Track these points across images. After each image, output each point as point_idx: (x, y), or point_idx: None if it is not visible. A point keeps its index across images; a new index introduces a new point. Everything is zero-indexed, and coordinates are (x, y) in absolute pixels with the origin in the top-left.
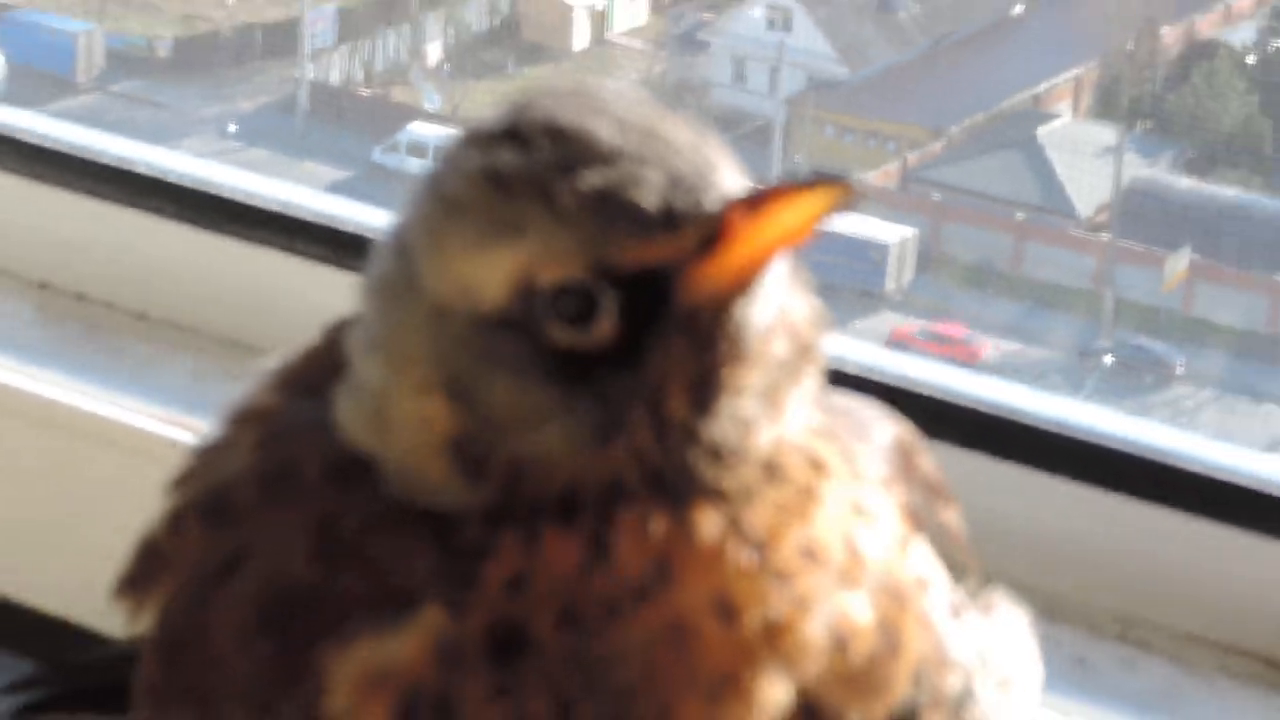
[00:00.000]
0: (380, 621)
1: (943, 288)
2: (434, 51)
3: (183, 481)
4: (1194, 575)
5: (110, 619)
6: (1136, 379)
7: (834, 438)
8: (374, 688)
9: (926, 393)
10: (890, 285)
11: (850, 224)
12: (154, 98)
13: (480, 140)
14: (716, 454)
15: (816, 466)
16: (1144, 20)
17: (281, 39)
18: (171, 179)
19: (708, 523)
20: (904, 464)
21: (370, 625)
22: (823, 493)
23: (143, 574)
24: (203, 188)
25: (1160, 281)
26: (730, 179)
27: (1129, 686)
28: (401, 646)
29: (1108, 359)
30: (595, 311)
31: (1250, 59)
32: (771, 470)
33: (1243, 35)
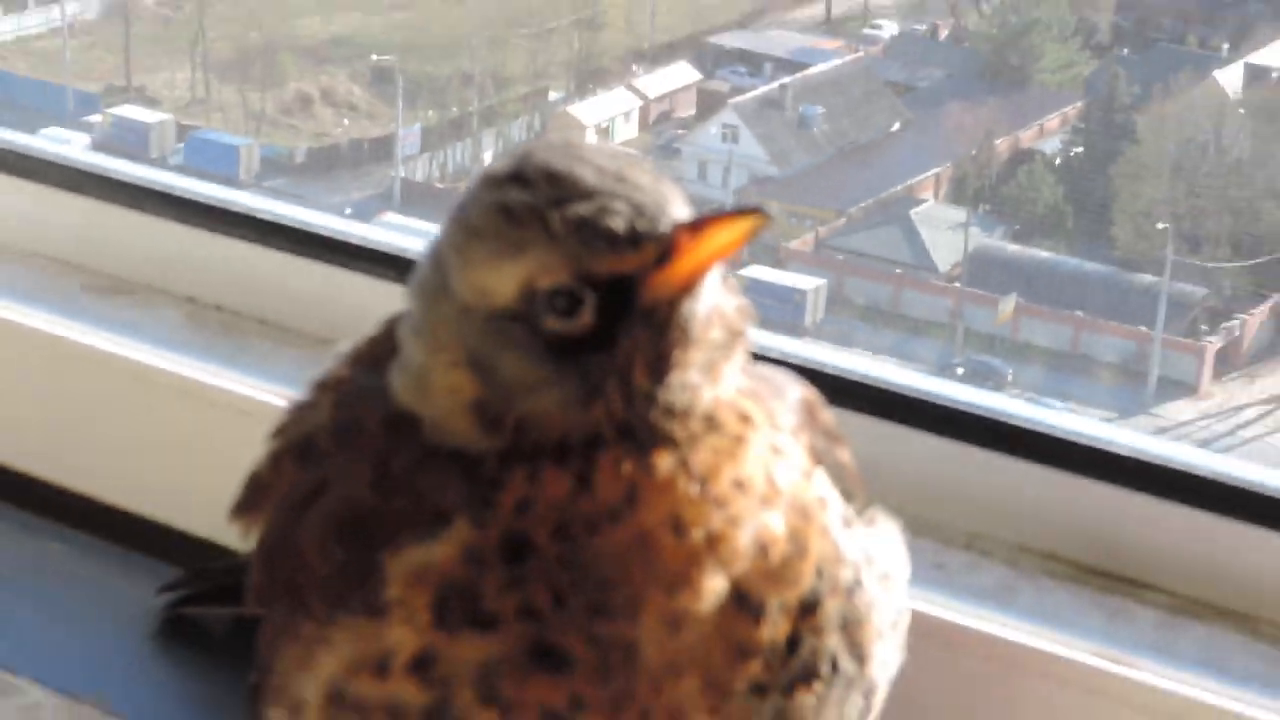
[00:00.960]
0: (423, 534)
1: (845, 322)
2: (488, 158)
3: (279, 431)
4: (1022, 501)
5: (233, 537)
6: (979, 384)
7: (757, 397)
8: (419, 582)
9: (829, 372)
10: (808, 320)
11: (778, 276)
12: (293, 190)
13: (494, 181)
14: (670, 412)
15: (744, 419)
16: (984, 134)
17: (382, 149)
18: (287, 223)
19: (664, 463)
20: (808, 416)
21: (416, 536)
22: (749, 438)
23: (250, 500)
24: (312, 229)
25: (996, 317)
26: (679, 209)
27: (974, 584)
28: (439, 551)
29: (959, 371)
30: (579, 308)
31: (1058, 161)
32: (710, 422)
33: (1052, 145)
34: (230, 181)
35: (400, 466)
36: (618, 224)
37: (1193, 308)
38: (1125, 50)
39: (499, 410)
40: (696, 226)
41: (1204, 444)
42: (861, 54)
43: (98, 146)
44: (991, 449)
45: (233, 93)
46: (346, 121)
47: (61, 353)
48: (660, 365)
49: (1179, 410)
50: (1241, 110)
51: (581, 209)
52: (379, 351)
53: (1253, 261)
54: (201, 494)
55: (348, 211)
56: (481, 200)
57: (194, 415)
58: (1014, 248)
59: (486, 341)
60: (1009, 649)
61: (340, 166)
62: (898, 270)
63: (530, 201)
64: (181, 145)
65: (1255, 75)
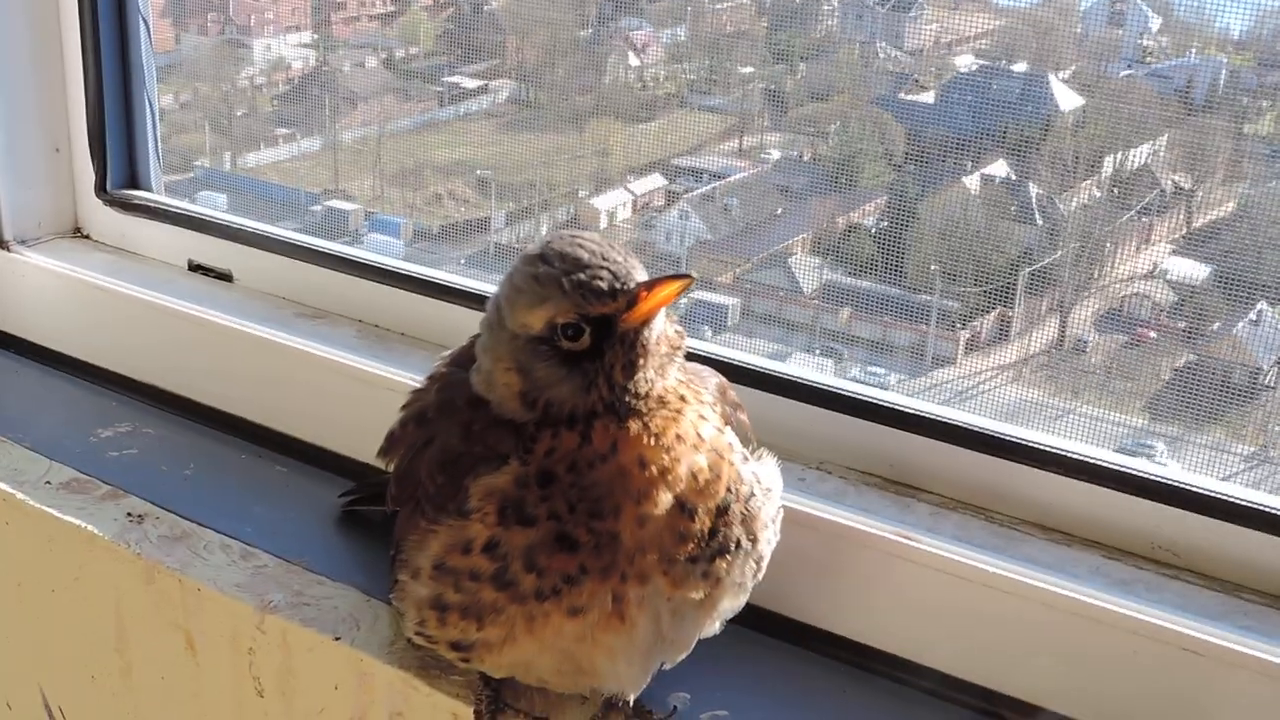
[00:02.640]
0: (491, 468)
1: (750, 325)
2: (544, 230)
3: (406, 406)
4: (850, 439)
5: (380, 465)
6: (829, 359)
7: (689, 384)
8: (488, 497)
9: (735, 364)
10: (729, 324)
11: (712, 297)
12: (431, 250)
13: (529, 259)
14: (636, 395)
15: (681, 398)
16: (829, 215)
17: (483, 225)
18: (411, 273)
19: (634, 426)
20: (721, 394)
21: (487, 469)
22: (684, 410)
23: (388, 447)
24: (428, 278)
25: (838, 320)
26: (640, 274)
27: (821, 490)
28: (501, 479)
29: (817, 352)
30: (582, 334)
31: (873, 231)
32: (661, 401)
33: (869, 221)
34: (394, 245)
35: (477, 428)
36: (603, 285)
37: (951, 314)
38: (911, 166)
39: (535, 396)
40: (650, 285)
41: (960, 394)
42: (759, 169)
43: (317, 228)
44: (831, 409)
45: (396, 192)
46: (462, 209)
47: (283, 354)
48: (630, 367)
49: (945, 374)
50: (976, 200)
51: (582, 276)
52: (464, 357)
53: (984, 288)
54: (365, 434)
55: (462, 262)
56: (522, 271)
57: (360, 389)
58: (847, 280)
59: (527, 356)
60: (843, 529)
61: (459, 235)
62: (781, 293)
63: (551, 272)
64: (366, 223)
65: (985, 180)
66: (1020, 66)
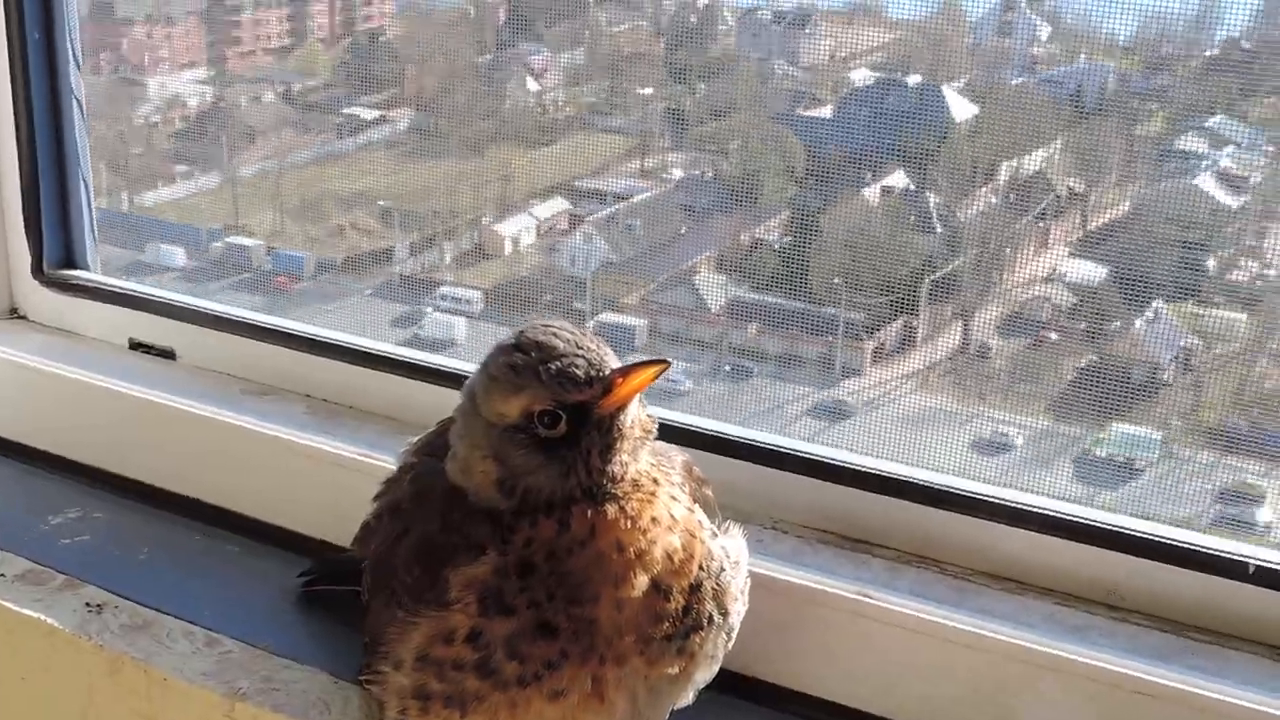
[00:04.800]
0: (470, 559)
1: (659, 347)
2: (448, 259)
3: (379, 496)
4: (804, 498)
5: (349, 540)
6: (740, 379)
7: (658, 465)
8: (468, 587)
9: (690, 427)
10: (637, 345)
11: (618, 319)
12: (334, 282)
13: (504, 349)
14: (613, 480)
15: (654, 480)
16: (734, 232)
17: (387, 255)
18: (355, 347)
19: (611, 510)
20: (688, 471)
21: (465, 559)
22: (658, 492)
23: (364, 536)
24: (374, 352)
25: (746, 336)
26: (613, 361)
27: (777, 549)
28: (480, 569)
29: (727, 369)
30: (559, 421)
31: (776, 246)
32: (635, 484)
33: (773, 236)
34: (299, 278)
35: (454, 518)
36: (579, 373)
37: (857, 325)
38: (811, 180)
39: (513, 484)
40: (625, 372)
41: (869, 404)
42: (662, 189)
43: (218, 262)
44: (782, 469)
45: (298, 226)
46: (366, 240)
47: (231, 432)
48: (606, 453)
49: (853, 384)
50: (876, 212)
51: (558, 365)
52: (433, 446)
53: (888, 298)
54: (319, 511)
55: (367, 293)
56: (497, 361)
57: (313, 466)
58: (753, 296)
59: (504, 444)
60: (803, 589)
61: (363, 267)
62: (687, 312)
63: (528, 361)
64: (269, 258)
65: (885, 191)
66: (915, 78)
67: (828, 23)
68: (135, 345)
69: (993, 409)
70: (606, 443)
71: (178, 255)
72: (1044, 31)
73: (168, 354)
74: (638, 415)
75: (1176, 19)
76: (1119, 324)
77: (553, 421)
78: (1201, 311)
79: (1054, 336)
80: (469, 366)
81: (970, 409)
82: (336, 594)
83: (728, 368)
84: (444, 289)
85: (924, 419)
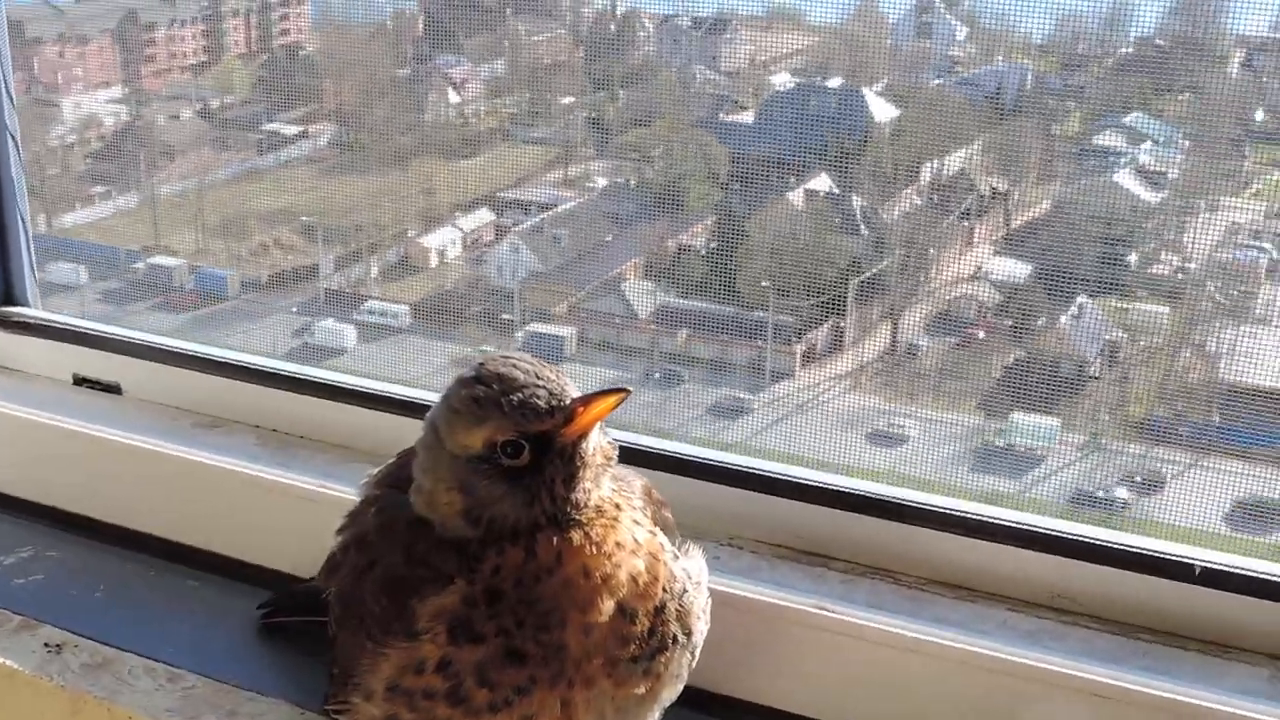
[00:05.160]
0: (437, 589)
1: (588, 355)
2: (374, 272)
3: (343, 529)
4: (759, 513)
5: (307, 571)
6: (669, 386)
7: (620, 490)
8: (437, 618)
9: (642, 447)
10: (566, 354)
11: (547, 328)
12: (262, 300)
13: (464, 381)
14: (576, 506)
15: (616, 506)
16: (659, 238)
17: (312, 271)
18: (307, 378)
19: (576, 536)
20: (647, 495)
21: (433, 591)
22: (621, 517)
23: (330, 570)
24: (324, 381)
25: (676, 343)
26: (573, 390)
27: (734, 565)
28: (447, 599)
29: (656, 376)
30: (522, 451)
31: (703, 252)
32: (599, 510)
33: (699, 242)
34: (223, 298)
35: (420, 549)
36: (541, 403)
37: (786, 328)
38: (736, 185)
39: (478, 514)
40: (586, 401)
41: (800, 406)
42: (586, 198)
43: (141, 285)
44: (736, 486)
45: (221, 244)
46: (290, 257)
47: (182, 466)
48: (570, 480)
49: (783, 388)
50: (801, 215)
51: (520, 396)
52: (395, 478)
53: (816, 300)
54: (275, 542)
55: (293, 310)
56: (459, 394)
57: (267, 498)
58: (682, 302)
59: (468, 475)
60: (761, 605)
61: (288, 284)
62: (617, 320)
63: (489, 393)
64: (193, 277)
65: (809, 195)
66: (835, 81)
67: (747, 28)
68: (80, 380)
69: (923, 408)
70: (570, 470)
71: (80, 274)
72: (961, 33)
73: (113, 389)
74: (599, 442)
75: (1091, 18)
76: (1045, 320)
77: (516, 451)
78: (1125, 305)
79: (981, 334)
80: (420, 394)
81: (900, 408)
82: (297, 625)
83: (658, 374)
84: (370, 303)
85: (855, 420)
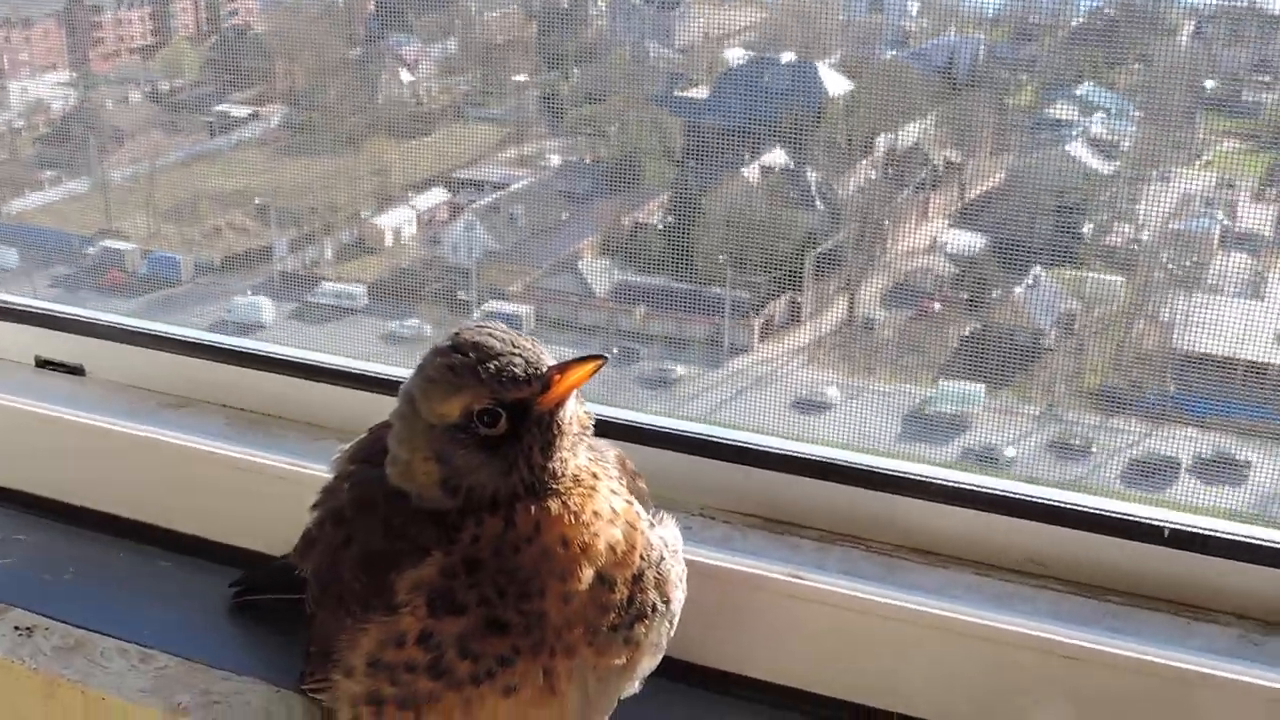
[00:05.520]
0: (415, 561)
1: (546, 333)
2: (328, 254)
3: (318, 505)
4: (731, 484)
5: (279, 549)
6: (629, 363)
7: (596, 460)
8: (416, 590)
9: (609, 418)
10: (525, 330)
11: (504, 307)
12: (218, 282)
13: (440, 350)
14: (554, 475)
15: (593, 475)
16: (615, 215)
17: (266, 253)
18: (278, 356)
19: (554, 505)
20: (622, 466)
21: (411, 564)
22: (598, 487)
23: (306, 547)
24: (291, 359)
25: (634, 320)
26: (549, 359)
27: (707, 536)
28: (426, 572)
29: (615, 352)
30: (499, 419)
31: (660, 228)
32: (576, 479)
33: (655, 218)
34: (176, 282)
35: (397, 522)
36: (518, 371)
37: (743, 303)
38: (691, 161)
39: (456, 483)
40: (562, 369)
41: (759, 380)
42: (541, 176)
43: (93, 270)
44: (706, 456)
45: (173, 227)
46: (243, 239)
47: (150, 447)
48: (547, 449)
49: (741, 361)
50: (757, 190)
51: (494, 364)
52: (369, 452)
53: (773, 275)
54: (247, 522)
55: (248, 292)
56: (435, 363)
57: (237, 477)
58: (640, 278)
59: (445, 444)
60: (736, 574)
61: (242, 266)
62: (574, 298)
63: (466, 362)
64: (145, 261)
65: (764, 170)
66: (788, 56)
67: (700, 3)
68: (43, 363)
69: (880, 381)
70: (547, 439)
71: (10, 256)
72: (913, 6)
73: (77, 370)
74: (575, 411)
75: None
76: (1000, 292)
77: (493, 420)
78: (1080, 275)
79: (937, 306)
80: (390, 370)
81: (858, 382)
82: (269, 603)
83: (616, 350)
84: (326, 284)
85: (814, 390)
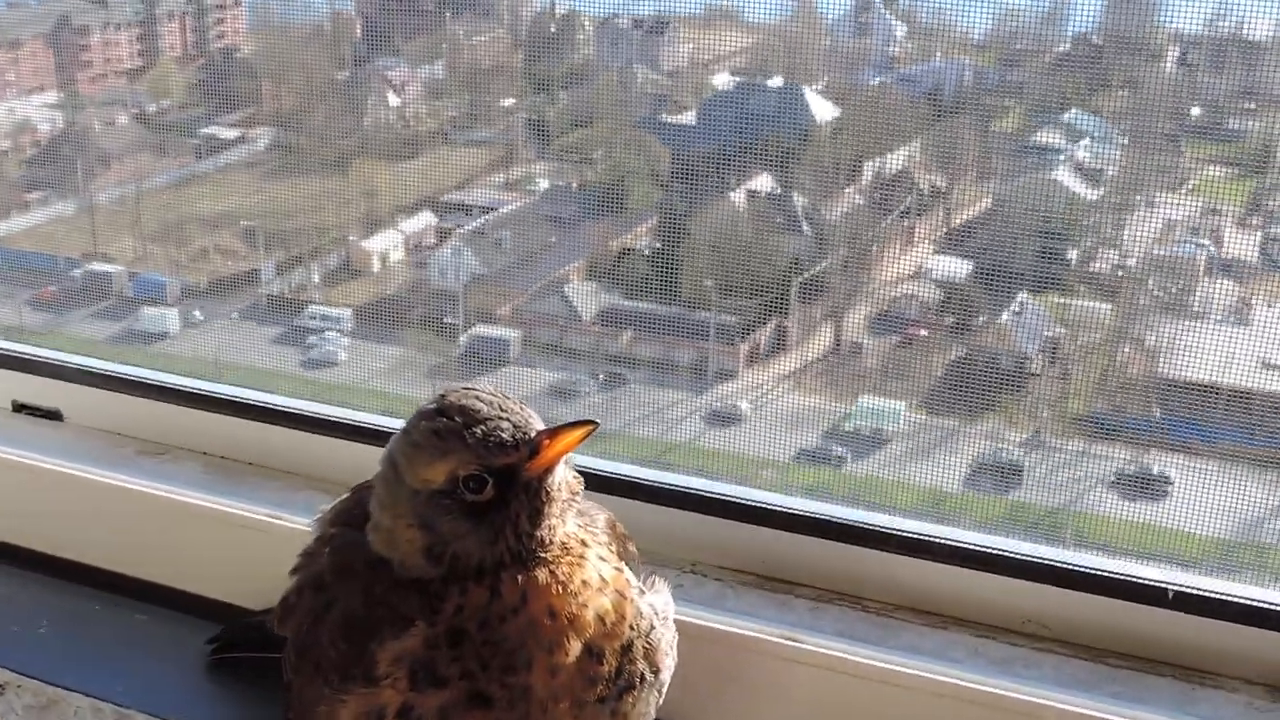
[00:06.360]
0: (398, 632)
1: (532, 357)
2: (315, 279)
3: (297, 569)
4: (721, 540)
5: (258, 603)
6: (614, 388)
7: (585, 526)
8: (398, 662)
9: (601, 472)
10: (511, 357)
11: (491, 330)
12: (203, 305)
13: (425, 414)
14: (542, 543)
15: (582, 543)
16: (602, 239)
17: (254, 276)
18: (255, 403)
19: (542, 575)
20: (611, 528)
21: (393, 632)
22: (587, 554)
23: (284, 614)
24: (270, 406)
25: (619, 344)
26: (538, 423)
27: (698, 594)
28: (409, 643)
29: (601, 378)
30: (485, 486)
31: (646, 252)
32: (564, 547)
33: (642, 243)
34: (162, 303)
35: (379, 590)
36: (505, 436)
37: (730, 328)
38: (678, 186)
39: (440, 551)
40: (552, 434)
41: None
42: (528, 200)
43: (80, 292)
44: (698, 512)
45: (160, 250)
46: (230, 262)
47: (125, 496)
48: (535, 516)
49: (727, 388)
50: (743, 215)
51: (483, 428)
52: (350, 515)
53: (759, 300)
54: (225, 574)
55: (234, 316)
56: (420, 427)
57: (215, 528)
58: (626, 303)
59: (429, 510)
60: (728, 635)
61: (229, 289)
62: (560, 322)
63: (451, 426)
64: (131, 283)
65: (751, 194)
66: (775, 81)
67: (686, 28)
68: (19, 407)
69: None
70: (535, 506)
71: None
72: (900, 31)
73: (54, 415)
74: (564, 477)
75: (1029, 15)
76: (985, 317)
77: (479, 486)
78: (1066, 301)
79: (923, 333)
80: (372, 419)
81: (845, 408)
82: (249, 660)
83: (602, 376)
84: (313, 308)
85: (800, 420)
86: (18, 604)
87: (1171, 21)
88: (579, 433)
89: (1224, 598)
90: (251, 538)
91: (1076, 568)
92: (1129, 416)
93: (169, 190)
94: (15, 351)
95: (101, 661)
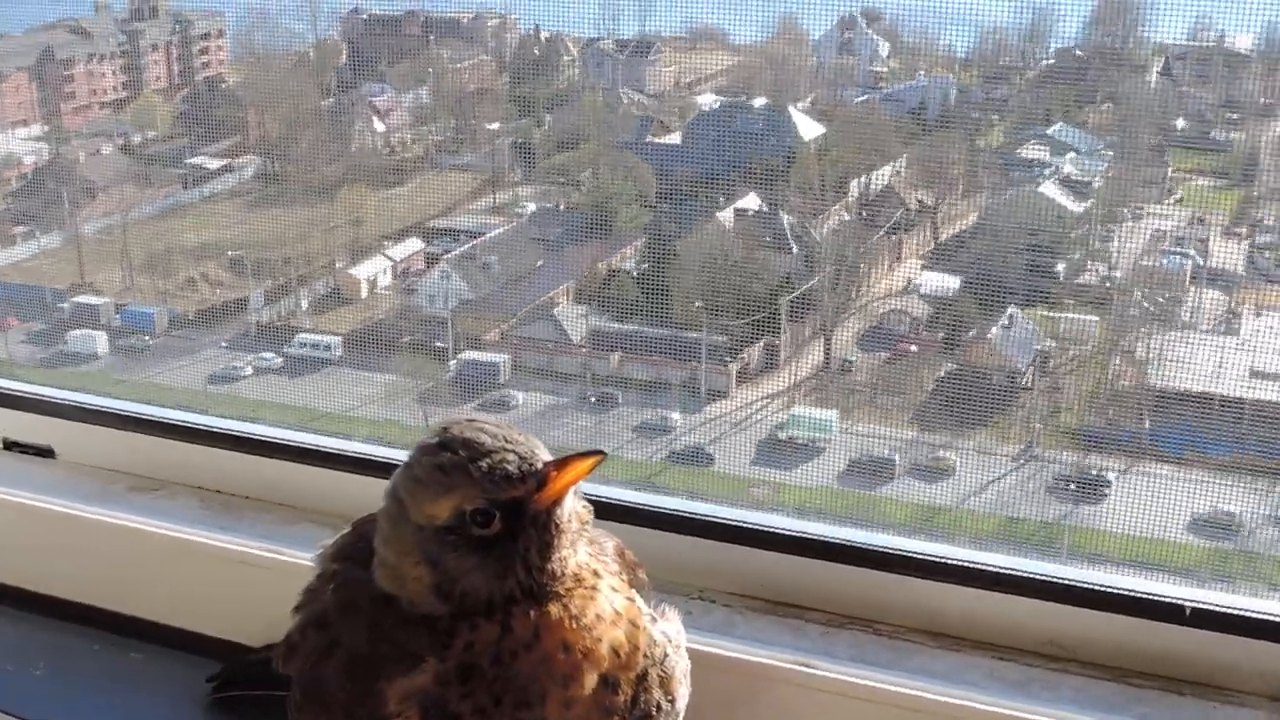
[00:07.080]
0: (407, 669)
1: (525, 381)
2: (304, 305)
3: (300, 607)
4: (731, 565)
5: (258, 639)
6: (605, 409)
7: (596, 555)
8: (408, 699)
9: (606, 499)
10: (501, 380)
11: (481, 355)
12: (191, 335)
13: (428, 449)
14: (553, 577)
15: (594, 574)
16: (590, 261)
17: (241, 305)
18: (251, 436)
19: (554, 609)
20: (621, 557)
21: (401, 670)
22: (600, 586)
23: (289, 653)
24: (268, 439)
25: (609, 365)
26: (544, 454)
27: (707, 621)
28: (419, 680)
29: (592, 399)
30: (492, 520)
31: (635, 274)
32: (576, 579)
33: (630, 264)
34: (150, 334)
35: (386, 627)
36: (511, 469)
37: (720, 348)
38: (665, 206)
39: (448, 588)
40: (559, 465)
41: (737, 425)
42: (515, 223)
43: (68, 324)
44: (705, 537)
45: (147, 280)
46: (218, 291)
47: (120, 533)
48: (545, 549)
49: (719, 406)
50: (731, 234)
51: (488, 461)
52: (353, 550)
53: (749, 319)
54: (223, 611)
55: (223, 345)
56: (423, 462)
57: (213, 564)
58: (615, 325)
59: (435, 547)
60: (741, 664)
61: (217, 319)
62: (550, 345)
63: (456, 460)
64: (119, 314)
65: (738, 214)
66: (760, 100)
67: (671, 49)
68: (10, 445)
69: (858, 423)
70: (545, 539)
71: None
72: (884, 49)
73: (46, 452)
74: (573, 507)
75: (1012, 31)
76: (975, 332)
77: (486, 520)
78: (1055, 315)
79: (913, 348)
80: (369, 450)
81: (838, 425)
82: (249, 699)
83: (593, 398)
84: (301, 335)
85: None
86: (14, 644)
87: (1155, 34)
88: (587, 463)
89: (1240, 613)
90: (249, 573)
91: (1093, 586)
92: (1121, 429)
93: (155, 221)
94: (6, 388)
95: (99, 702)
